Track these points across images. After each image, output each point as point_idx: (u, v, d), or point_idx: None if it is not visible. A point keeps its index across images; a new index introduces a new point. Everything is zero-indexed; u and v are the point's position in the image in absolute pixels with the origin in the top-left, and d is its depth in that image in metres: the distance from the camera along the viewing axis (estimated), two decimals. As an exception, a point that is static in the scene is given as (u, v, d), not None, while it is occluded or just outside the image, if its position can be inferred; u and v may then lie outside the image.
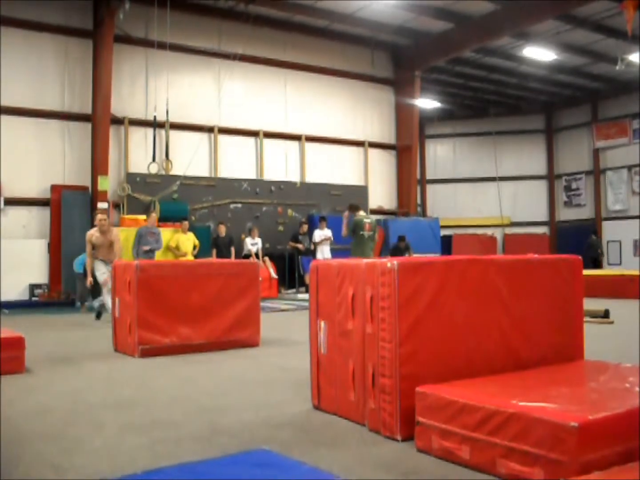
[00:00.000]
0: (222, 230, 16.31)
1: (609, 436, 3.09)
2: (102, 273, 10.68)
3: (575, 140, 26.39)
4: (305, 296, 14.93)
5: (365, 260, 4.33)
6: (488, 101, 26.11)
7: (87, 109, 16.52)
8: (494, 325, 4.39)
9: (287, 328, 10.30)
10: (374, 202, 21.47)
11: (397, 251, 17.70)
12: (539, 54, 20.10)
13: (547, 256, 5.06)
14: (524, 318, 4.54)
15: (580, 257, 4.98)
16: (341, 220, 18.68)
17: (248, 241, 16.67)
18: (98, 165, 16.05)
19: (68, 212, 15.87)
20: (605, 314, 10.78)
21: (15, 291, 14.87)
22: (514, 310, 4.49)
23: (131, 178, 16.84)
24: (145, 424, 4.43)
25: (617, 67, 18.89)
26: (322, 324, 4.64)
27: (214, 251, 16.06)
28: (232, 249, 16.28)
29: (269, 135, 19.38)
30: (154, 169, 16.95)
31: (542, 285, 4.68)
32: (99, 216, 11.25)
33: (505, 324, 4.44)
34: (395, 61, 21.82)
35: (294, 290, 17.97)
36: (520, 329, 4.52)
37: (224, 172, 18.50)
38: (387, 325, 4.00)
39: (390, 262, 4.04)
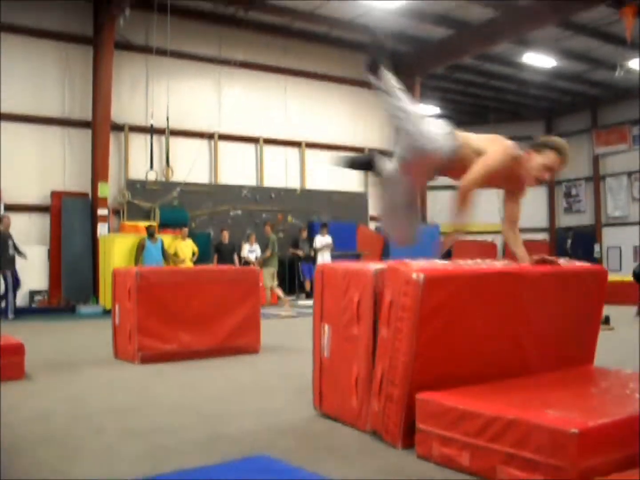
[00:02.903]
0: (226, 236, 16.33)
1: (609, 443, 3.09)
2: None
3: (575, 147, 26.37)
4: (306, 302, 14.97)
5: (379, 265, 4.25)
6: (488, 107, 26.15)
7: (87, 116, 16.54)
8: (512, 338, 4.29)
9: (287, 334, 10.29)
10: (374, 208, 21.45)
11: None
12: (539, 60, 20.14)
13: (574, 267, 4.85)
14: (543, 331, 4.42)
15: (605, 269, 4.89)
16: (341, 227, 18.86)
17: (246, 248, 16.67)
18: (98, 172, 16.07)
19: (68, 219, 15.88)
20: (606, 320, 10.76)
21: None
22: (535, 324, 4.36)
23: (131, 184, 16.86)
24: (145, 430, 4.43)
25: (617, 74, 18.95)
26: (326, 327, 4.63)
27: (216, 257, 16.08)
28: (235, 256, 16.31)
29: (269, 141, 19.40)
30: (152, 176, 16.97)
31: (567, 299, 4.53)
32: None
33: (523, 338, 4.32)
34: (395, 68, 21.72)
35: (294, 296, 17.97)
36: (539, 343, 4.40)
37: (224, 178, 18.51)
38: (404, 336, 3.89)
39: (417, 274, 3.84)
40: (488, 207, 25.94)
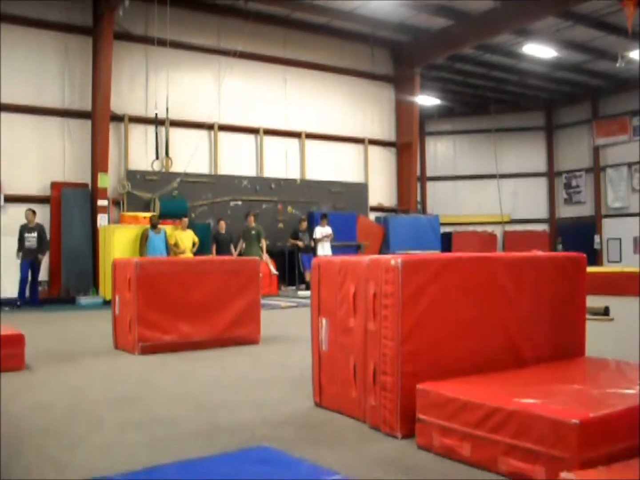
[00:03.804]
0: (223, 226, 16.33)
1: (610, 433, 3.08)
2: None
3: (576, 138, 26.37)
4: (305, 293, 14.95)
5: (368, 257, 4.32)
6: (488, 98, 26.08)
7: (87, 106, 16.51)
8: (497, 322, 4.37)
9: (288, 325, 10.29)
10: (374, 199, 21.46)
11: None
12: (539, 51, 20.07)
13: (552, 254, 5.03)
14: (527, 315, 4.52)
15: (584, 255, 4.95)
16: (341, 218, 18.86)
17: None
18: (98, 163, 16.04)
19: (68, 209, 15.87)
20: (605, 312, 10.77)
21: (16, 288, 14.82)
22: (517, 308, 4.47)
23: (131, 175, 16.83)
24: (145, 421, 4.43)
25: (618, 64, 18.89)
26: (324, 321, 4.63)
27: (214, 247, 16.08)
28: (232, 246, 16.30)
29: (269, 132, 19.37)
30: (157, 166, 16.94)
31: (546, 283, 4.66)
32: None
33: (508, 322, 4.42)
34: (395, 58, 21.79)
35: (294, 287, 17.97)
36: (524, 327, 4.50)
37: (224, 169, 18.49)
38: (390, 322, 3.99)
39: (395, 260, 4.01)
40: (489, 198, 26.03)
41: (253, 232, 15.88)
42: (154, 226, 14.79)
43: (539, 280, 4.63)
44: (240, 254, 15.87)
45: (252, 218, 16.22)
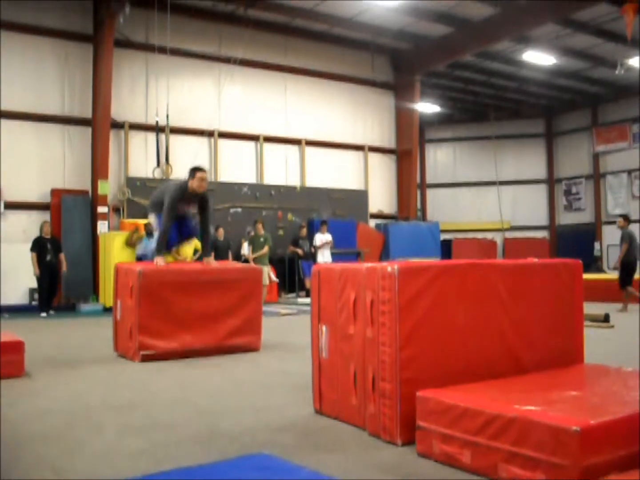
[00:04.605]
0: (221, 234, 16.32)
1: (610, 440, 3.07)
2: None
3: (575, 145, 26.40)
4: (306, 300, 14.94)
5: (366, 264, 4.32)
6: (488, 105, 26.13)
7: (87, 113, 16.53)
8: (495, 329, 4.38)
9: (288, 332, 10.28)
10: (374, 206, 21.47)
11: None
12: (539, 58, 20.11)
13: (547, 260, 5.04)
14: (524, 322, 4.53)
15: (580, 262, 4.97)
16: (341, 225, 18.87)
17: (246, 245, 16.65)
18: (98, 170, 16.06)
19: (68, 216, 15.87)
20: (606, 318, 10.77)
21: (16, 295, 14.87)
22: (515, 314, 4.47)
23: (131, 182, 16.85)
24: (146, 427, 4.42)
25: (617, 72, 18.93)
26: (324, 328, 4.63)
27: (213, 254, 16.05)
28: (230, 253, 16.29)
29: (269, 139, 19.39)
30: (158, 173, 16.96)
31: (542, 290, 4.67)
32: None
33: (505, 328, 4.42)
34: (395, 65, 21.83)
35: (294, 294, 17.97)
36: (521, 333, 4.50)
37: (224, 176, 18.50)
38: (387, 329, 3.98)
39: (391, 267, 4.02)
40: (489, 205, 26.04)
41: (262, 239, 15.81)
42: (149, 234, 14.68)
43: (536, 287, 4.64)
44: (246, 261, 15.84)
45: (260, 225, 16.09)
